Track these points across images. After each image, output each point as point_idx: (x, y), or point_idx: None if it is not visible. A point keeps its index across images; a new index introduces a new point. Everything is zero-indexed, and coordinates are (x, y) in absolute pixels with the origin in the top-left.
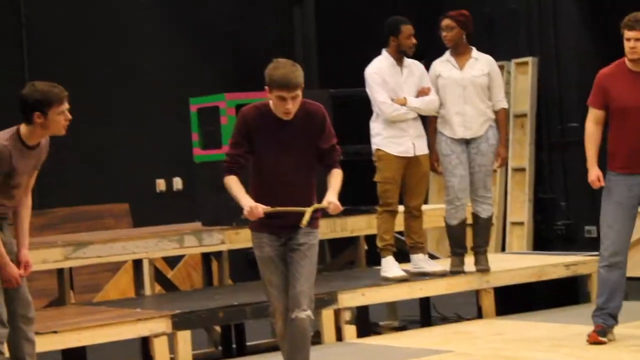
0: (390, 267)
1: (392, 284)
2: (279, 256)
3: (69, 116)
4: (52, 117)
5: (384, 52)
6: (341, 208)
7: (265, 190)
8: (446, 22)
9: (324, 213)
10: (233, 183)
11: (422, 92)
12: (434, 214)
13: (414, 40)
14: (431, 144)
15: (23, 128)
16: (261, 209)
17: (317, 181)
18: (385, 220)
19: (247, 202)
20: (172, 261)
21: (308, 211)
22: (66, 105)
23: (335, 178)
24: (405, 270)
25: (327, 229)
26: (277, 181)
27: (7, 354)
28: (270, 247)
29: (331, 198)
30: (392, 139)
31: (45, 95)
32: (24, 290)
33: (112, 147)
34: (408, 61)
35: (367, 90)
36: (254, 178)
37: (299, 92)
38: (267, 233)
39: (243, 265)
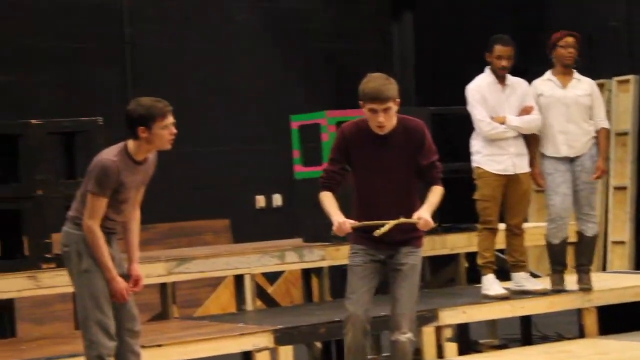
0: (491, 285)
1: (493, 302)
2: (370, 268)
3: (174, 130)
4: (156, 131)
5: (487, 69)
6: (432, 224)
7: (365, 206)
8: (572, 39)
9: (428, 231)
10: (326, 199)
11: (524, 111)
12: (535, 232)
13: (503, 63)
14: (533, 160)
15: (130, 144)
16: (349, 224)
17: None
18: (485, 238)
19: (336, 218)
20: (271, 277)
21: (390, 224)
22: (170, 120)
23: (434, 194)
24: (506, 289)
25: (427, 247)
26: (376, 198)
27: None
28: (362, 257)
29: (423, 213)
30: (492, 156)
31: (149, 110)
32: (131, 305)
33: (212, 163)
34: (511, 79)
35: (468, 107)
36: (355, 194)
37: (391, 105)
38: (365, 246)
39: (342, 281)
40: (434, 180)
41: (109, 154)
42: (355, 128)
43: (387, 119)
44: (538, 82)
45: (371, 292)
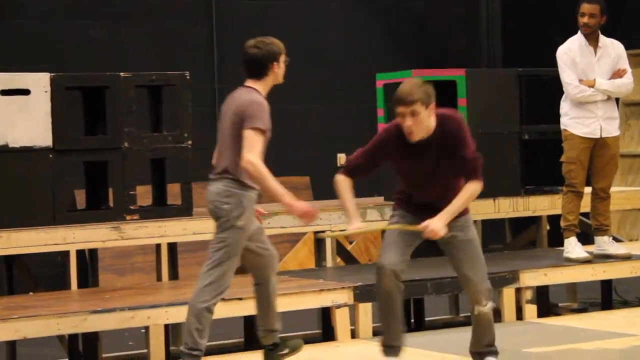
0: (573, 248)
1: (575, 265)
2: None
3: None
4: (282, 64)
5: (579, 31)
6: (440, 234)
7: (412, 207)
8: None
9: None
10: (344, 189)
11: (616, 74)
12: (618, 196)
13: (584, 20)
14: None
15: (258, 86)
16: (353, 228)
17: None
18: (570, 201)
19: (352, 220)
20: None
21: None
22: None
23: (461, 194)
24: (588, 252)
25: (509, 208)
26: (421, 202)
27: None
28: (400, 219)
29: (434, 220)
30: (579, 119)
31: (278, 45)
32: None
33: (294, 121)
34: (605, 41)
35: (559, 70)
36: (399, 185)
37: (418, 109)
38: (405, 211)
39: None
40: (468, 174)
41: (258, 96)
42: (396, 130)
43: (415, 124)
44: None
45: (405, 250)
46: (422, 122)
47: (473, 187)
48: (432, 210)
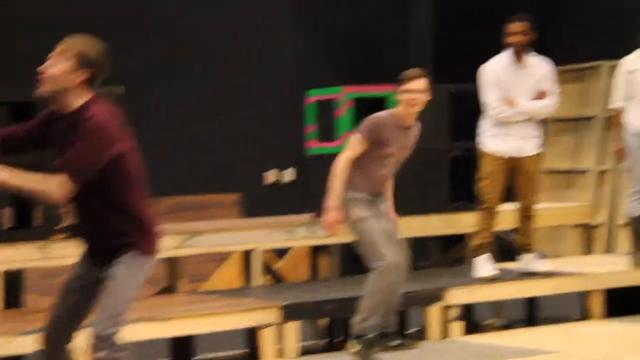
0: (481, 266)
1: (499, 282)
2: (75, 283)
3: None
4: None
5: (507, 49)
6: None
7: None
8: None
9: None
10: None
11: (539, 96)
12: (545, 213)
13: (516, 38)
14: (615, 135)
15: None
16: None
17: None
18: (482, 218)
19: None
20: (279, 252)
21: None
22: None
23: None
24: (512, 270)
25: (438, 225)
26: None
27: None
28: (75, 269)
29: None
30: (495, 137)
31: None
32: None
33: (224, 137)
34: (532, 60)
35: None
36: None
37: (56, 53)
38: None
39: (350, 259)
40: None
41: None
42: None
43: (45, 66)
44: (628, 60)
45: (68, 309)
46: (52, 68)
47: (51, 183)
48: (90, 235)
